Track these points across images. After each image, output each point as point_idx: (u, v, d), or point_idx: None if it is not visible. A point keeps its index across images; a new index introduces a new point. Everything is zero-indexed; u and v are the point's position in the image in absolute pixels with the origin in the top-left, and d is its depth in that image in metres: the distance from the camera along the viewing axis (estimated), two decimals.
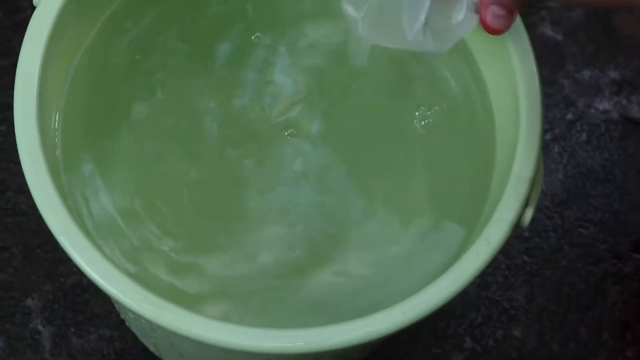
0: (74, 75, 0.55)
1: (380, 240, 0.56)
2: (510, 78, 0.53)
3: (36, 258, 0.71)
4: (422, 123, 0.59)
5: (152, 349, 0.67)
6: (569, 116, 0.79)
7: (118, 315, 0.69)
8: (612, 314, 0.72)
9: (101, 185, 0.55)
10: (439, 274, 0.48)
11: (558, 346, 0.71)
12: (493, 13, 0.49)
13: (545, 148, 0.77)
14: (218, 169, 0.58)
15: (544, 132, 0.76)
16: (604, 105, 0.79)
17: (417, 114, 0.59)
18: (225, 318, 0.53)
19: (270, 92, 0.60)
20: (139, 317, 0.47)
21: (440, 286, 0.48)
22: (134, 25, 0.59)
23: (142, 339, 0.67)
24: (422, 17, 0.48)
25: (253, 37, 0.61)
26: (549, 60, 0.80)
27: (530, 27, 0.54)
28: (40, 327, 0.69)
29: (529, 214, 0.51)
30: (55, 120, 0.53)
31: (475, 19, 0.49)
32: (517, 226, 0.50)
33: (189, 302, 0.53)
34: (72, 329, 0.69)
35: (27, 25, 0.52)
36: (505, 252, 0.72)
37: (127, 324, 0.68)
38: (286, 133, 0.59)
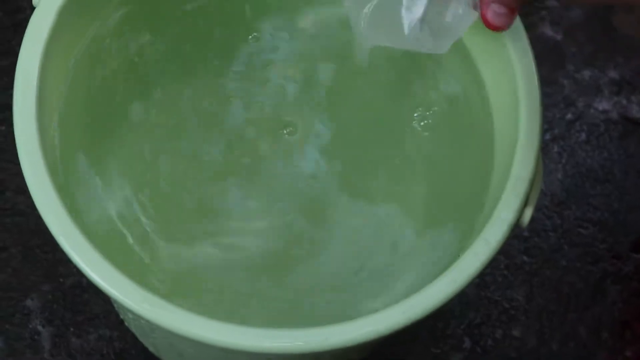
0: (73, 75, 0.55)
1: (379, 240, 0.56)
2: (509, 78, 0.53)
3: (35, 258, 0.71)
4: (422, 123, 0.59)
5: (151, 349, 0.67)
6: (569, 116, 0.79)
7: (117, 315, 0.69)
8: (611, 313, 0.72)
9: (100, 185, 0.55)
10: (438, 274, 0.48)
11: (557, 346, 0.71)
12: (494, 11, 0.49)
13: (544, 148, 0.77)
14: (217, 168, 0.58)
15: (544, 132, 0.76)
16: (603, 105, 0.79)
17: (416, 114, 0.59)
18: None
19: (269, 92, 0.60)
20: (138, 317, 0.47)
21: (440, 286, 0.48)
22: (132, 26, 0.59)
23: (141, 339, 0.67)
24: (419, 12, 0.48)
25: (250, 36, 0.61)
26: (549, 60, 0.80)
27: (529, 27, 0.54)
28: (39, 328, 0.69)
29: (528, 214, 0.51)
30: (54, 121, 0.53)
31: (473, 14, 0.49)
32: (516, 226, 0.50)
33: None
34: (72, 329, 0.69)
35: (27, 25, 0.52)
36: (504, 251, 0.72)
37: (126, 324, 0.68)
38: (285, 132, 0.59)
